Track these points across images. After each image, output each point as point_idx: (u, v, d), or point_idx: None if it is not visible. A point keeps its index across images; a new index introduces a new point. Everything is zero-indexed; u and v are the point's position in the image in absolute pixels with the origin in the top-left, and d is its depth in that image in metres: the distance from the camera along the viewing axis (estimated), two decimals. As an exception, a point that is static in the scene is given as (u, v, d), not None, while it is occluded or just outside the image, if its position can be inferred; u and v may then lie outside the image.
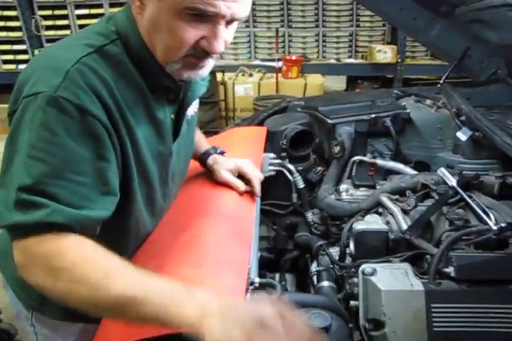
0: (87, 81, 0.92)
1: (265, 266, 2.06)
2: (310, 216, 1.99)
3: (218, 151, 1.55)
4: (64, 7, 5.88)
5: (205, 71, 1.06)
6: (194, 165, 1.50)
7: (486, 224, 1.37)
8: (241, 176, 1.51)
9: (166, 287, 0.84)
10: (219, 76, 5.37)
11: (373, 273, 1.25)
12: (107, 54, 0.98)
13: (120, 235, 1.13)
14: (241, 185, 1.47)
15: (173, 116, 1.15)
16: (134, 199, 1.07)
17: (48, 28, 5.92)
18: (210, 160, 1.51)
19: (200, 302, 0.82)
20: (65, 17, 5.92)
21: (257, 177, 1.52)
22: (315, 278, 1.53)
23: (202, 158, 1.52)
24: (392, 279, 1.23)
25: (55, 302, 1.04)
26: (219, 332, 0.78)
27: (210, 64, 1.05)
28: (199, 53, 1.00)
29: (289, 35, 6.11)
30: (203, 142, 1.56)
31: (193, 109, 1.24)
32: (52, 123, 0.88)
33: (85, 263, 0.86)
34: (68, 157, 0.89)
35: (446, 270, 1.24)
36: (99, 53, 0.97)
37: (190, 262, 1.04)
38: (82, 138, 0.90)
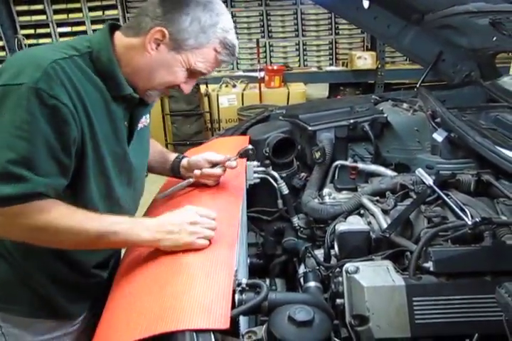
0: (59, 77, 1.10)
1: (255, 272, 2.10)
2: (296, 221, 2.04)
3: (182, 156, 1.67)
4: (46, 25, 5.95)
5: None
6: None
7: (463, 220, 1.43)
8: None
9: (125, 221, 1.19)
10: (202, 88, 5.43)
11: (356, 271, 1.30)
12: (75, 62, 1.17)
13: None
14: (219, 171, 1.58)
15: (126, 123, 1.33)
16: (88, 188, 1.23)
17: (31, 46, 5.95)
18: (184, 164, 1.63)
19: (149, 226, 1.19)
20: (47, 35, 5.98)
21: (224, 159, 1.59)
22: (302, 279, 1.57)
23: (174, 166, 1.64)
24: (374, 276, 1.28)
25: (19, 299, 1.31)
26: (168, 241, 1.17)
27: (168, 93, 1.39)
28: (172, 88, 1.33)
29: (270, 46, 6.22)
30: (167, 153, 1.71)
31: (142, 122, 1.42)
32: (34, 110, 1.05)
33: (65, 216, 1.12)
34: (45, 137, 1.07)
35: (426, 265, 1.29)
36: (70, 60, 1.15)
37: (179, 267, 1.08)
38: (55, 123, 1.08)
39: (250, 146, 1.63)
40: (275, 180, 2.04)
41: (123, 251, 1.47)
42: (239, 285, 1.10)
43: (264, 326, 0.95)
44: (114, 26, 1.29)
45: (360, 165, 2.02)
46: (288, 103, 5.35)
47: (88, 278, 1.39)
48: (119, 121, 1.28)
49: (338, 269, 1.42)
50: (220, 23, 1.26)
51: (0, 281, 1.30)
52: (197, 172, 1.56)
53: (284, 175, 2.09)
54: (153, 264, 1.16)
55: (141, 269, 1.16)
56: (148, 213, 1.53)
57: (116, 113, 1.26)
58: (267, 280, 2.10)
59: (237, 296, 1.08)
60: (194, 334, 0.89)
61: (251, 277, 1.99)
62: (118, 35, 1.26)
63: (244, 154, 1.62)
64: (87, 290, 1.41)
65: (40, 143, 1.06)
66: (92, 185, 1.23)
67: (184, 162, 1.62)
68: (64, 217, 1.11)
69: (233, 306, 1.03)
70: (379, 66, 5.83)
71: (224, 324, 0.90)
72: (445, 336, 1.21)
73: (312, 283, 1.44)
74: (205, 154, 1.61)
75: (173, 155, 1.67)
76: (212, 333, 0.90)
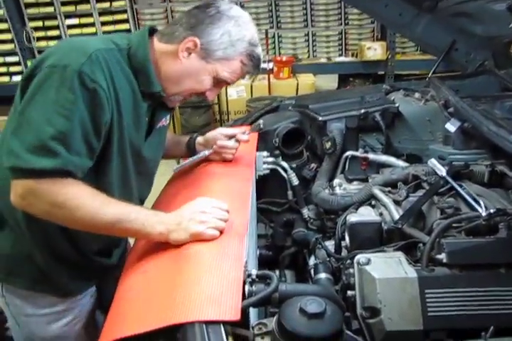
0: (101, 64, 1.18)
1: (265, 264, 2.09)
2: (306, 212, 2.02)
3: (196, 135, 1.77)
4: (54, 17, 5.93)
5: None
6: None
7: (477, 211, 1.40)
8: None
9: (143, 211, 1.21)
10: (211, 79, 5.39)
11: (368, 262, 1.28)
12: (114, 54, 1.26)
13: None
14: (232, 143, 1.69)
15: (147, 119, 1.40)
16: (110, 172, 1.29)
17: (40, 39, 5.97)
18: (200, 141, 1.73)
19: (163, 220, 1.19)
20: (55, 28, 5.97)
21: (238, 131, 1.72)
22: (312, 271, 1.56)
23: (190, 144, 1.75)
24: (386, 268, 1.26)
25: (21, 272, 1.36)
26: (178, 233, 1.17)
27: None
28: (195, 94, 1.42)
29: (279, 36, 6.16)
30: (179, 137, 1.85)
31: (162, 122, 1.50)
32: (76, 90, 1.12)
33: (85, 195, 1.16)
34: (82, 118, 1.13)
35: (439, 256, 1.27)
36: (111, 51, 1.24)
37: (188, 257, 1.07)
38: (93, 106, 1.15)
39: (261, 120, 1.73)
40: (285, 170, 2.03)
41: (131, 241, 1.47)
42: (249, 276, 1.08)
43: (275, 318, 0.93)
44: (152, 30, 1.40)
45: (371, 156, 1.99)
46: (297, 94, 5.30)
47: (90, 261, 1.44)
48: (142, 116, 1.36)
49: (349, 261, 1.40)
50: (248, 36, 1.36)
51: (4, 253, 1.36)
52: (215, 147, 1.67)
53: (293, 165, 2.07)
54: (163, 254, 1.15)
55: (150, 259, 1.15)
56: (163, 196, 1.59)
57: (141, 107, 1.34)
58: (277, 272, 2.09)
59: (247, 287, 1.06)
60: (204, 325, 0.88)
61: (260, 268, 1.98)
62: (155, 39, 1.37)
63: (256, 128, 1.78)
64: (88, 271, 1.47)
65: (76, 123, 1.13)
66: (114, 170, 1.30)
67: (199, 139, 1.74)
68: (86, 196, 1.16)
69: (243, 298, 1.01)
70: (389, 57, 5.76)
71: (234, 315, 0.89)
72: (458, 329, 1.19)
73: (323, 275, 1.43)
74: (218, 129, 1.73)
75: (186, 137, 1.77)
76: (222, 325, 0.89)
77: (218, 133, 1.70)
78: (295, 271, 2.09)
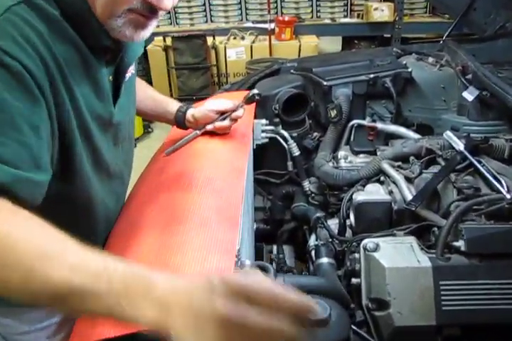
0: (21, 32, 0.80)
1: (262, 238, 1.98)
2: (307, 185, 1.88)
3: (187, 106, 1.48)
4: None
5: (147, 33, 0.96)
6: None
7: (498, 192, 1.27)
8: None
9: (119, 276, 0.65)
10: (209, 40, 5.17)
11: (376, 248, 1.16)
12: (37, 6, 0.84)
13: (69, 209, 1.00)
14: (227, 122, 1.43)
15: (110, 77, 1.04)
16: (79, 162, 0.97)
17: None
18: (189, 118, 1.44)
19: (160, 299, 0.63)
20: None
21: (233, 107, 1.43)
22: (313, 253, 1.43)
23: (179, 119, 1.45)
24: (396, 255, 1.14)
25: None
26: (188, 333, 0.61)
27: (153, 25, 0.95)
28: (144, 10, 0.90)
29: (281, -5, 5.87)
30: (166, 100, 1.49)
31: (129, 71, 1.12)
32: None
33: (17, 240, 0.68)
34: (4, 110, 0.77)
35: (456, 243, 1.14)
36: (28, 4, 0.83)
37: (172, 247, 0.92)
38: (18, 93, 0.78)
39: (256, 91, 1.46)
40: (285, 140, 1.89)
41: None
42: (242, 267, 0.95)
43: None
44: None
45: (379, 125, 1.84)
46: (299, 56, 5.09)
47: None
48: (102, 79, 1.00)
49: (354, 244, 1.27)
50: None
51: None
52: (209, 127, 1.42)
53: (295, 134, 1.92)
54: (143, 243, 1.00)
55: (129, 248, 1.01)
56: (148, 173, 1.37)
57: (97, 69, 0.98)
58: (275, 248, 1.98)
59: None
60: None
61: (258, 243, 1.87)
62: None
63: (250, 99, 1.46)
64: None
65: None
66: (82, 155, 0.98)
67: (189, 117, 1.45)
68: (24, 235, 0.70)
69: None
70: (396, 18, 5.48)
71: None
72: (475, 325, 1.08)
73: (325, 259, 1.30)
74: (209, 104, 1.44)
75: (173, 106, 1.47)
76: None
77: (208, 111, 1.42)
78: (293, 247, 1.99)
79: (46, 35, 0.83)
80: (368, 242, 1.17)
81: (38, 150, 0.82)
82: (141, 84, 1.37)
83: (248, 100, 1.44)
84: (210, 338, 0.60)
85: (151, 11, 0.91)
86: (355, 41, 5.92)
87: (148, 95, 1.44)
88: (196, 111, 1.44)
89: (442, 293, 1.08)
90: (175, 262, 0.87)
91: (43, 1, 0.85)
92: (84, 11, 0.89)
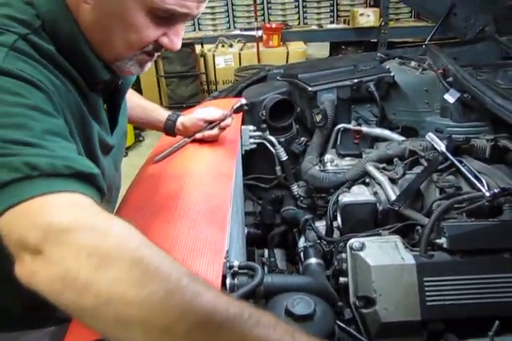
0: (30, 65, 0.79)
1: (253, 242, 2.01)
2: (295, 189, 1.92)
3: (177, 115, 1.50)
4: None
5: (148, 66, 0.98)
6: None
7: (479, 190, 1.30)
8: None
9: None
10: (198, 48, 5.22)
11: (362, 247, 1.18)
12: (34, 42, 0.82)
13: None
14: (216, 131, 1.47)
15: (105, 106, 1.02)
16: None
17: None
18: (179, 127, 1.48)
19: None
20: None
21: (221, 116, 1.47)
22: (302, 254, 1.46)
23: (168, 128, 1.48)
24: (381, 254, 1.17)
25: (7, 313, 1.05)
26: None
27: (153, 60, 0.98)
28: (154, 50, 0.93)
29: (268, 2, 5.94)
30: (155, 109, 1.50)
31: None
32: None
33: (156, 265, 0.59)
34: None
35: (439, 241, 1.17)
36: (26, 40, 0.81)
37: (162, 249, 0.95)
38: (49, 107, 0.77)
39: (244, 101, 1.50)
40: (273, 145, 1.92)
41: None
42: (230, 268, 0.98)
43: (259, 318, 0.83)
44: None
45: (365, 129, 1.88)
46: (287, 63, 5.14)
47: None
48: (100, 109, 0.99)
49: (341, 244, 1.30)
50: None
51: None
52: (198, 135, 1.46)
53: (282, 139, 1.95)
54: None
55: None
56: (138, 180, 1.39)
57: (95, 101, 0.96)
58: (266, 251, 2.01)
59: (228, 281, 0.96)
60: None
61: (249, 248, 1.90)
62: None
63: (238, 109, 1.50)
64: None
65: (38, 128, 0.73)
66: None
67: (179, 125, 1.47)
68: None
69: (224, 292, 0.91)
70: (382, 23, 5.56)
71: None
72: (459, 319, 1.11)
73: (313, 260, 1.33)
74: (198, 113, 1.47)
75: (162, 114, 1.49)
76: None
77: (197, 120, 1.45)
78: (285, 250, 2.01)
79: (47, 70, 0.82)
80: (354, 242, 1.19)
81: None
82: (129, 93, 1.33)
83: (236, 110, 1.49)
84: None
85: (158, 50, 0.94)
86: (343, 46, 5.99)
87: (137, 103, 1.45)
88: (186, 119, 1.47)
89: (426, 289, 1.11)
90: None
91: (37, 37, 0.83)
92: (83, 48, 0.89)
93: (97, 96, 0.97)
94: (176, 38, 0.92)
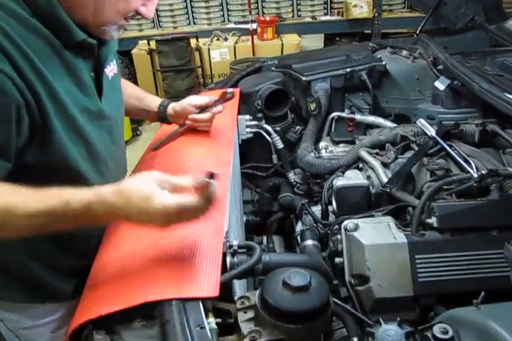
0: None
1: (252, 230, 2.06)
2: (292, 176, 1.96)
3: (168, 101, 1.55)
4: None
5: (122, 31, 1.13)
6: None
7: (467, 172, 1.35)
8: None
9: (79, 200, 0.87)
10: (193, 42, 5.22)
11: (356, 228, 1.23)
12: (4, 5, 0.92)
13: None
14: (207, 115, 1.47)
15: (92, 74, 1.12)
16: (72, 158, 1.05)
17: None
18: (171, 113, 1.51)
19: (112, 207, 0.87)
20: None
21: (209, 101, 1.49)
22: (299, 237, 1.51)
23: (161, 115, 1.51)
24: (374, 233, 1.22)
25: (7, 286, 1.18)
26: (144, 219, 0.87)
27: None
28: (132, 16, 1.08)
29: (262, -5, 5.93)
30: (149, 97, 1.55)
31: (111, 71, 1.22)
32: None
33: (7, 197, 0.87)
34: None
35: (429, 221, 1.22)
36: None
37: (163, 230, 1.00)
38: None
39: (230, 89, 1.50)
40: (269, 134, 1.97)
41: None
42: (230, 247, 1.03)
43: (257, 292, 0.88)
44: None
45: (358, 117, 1.93)
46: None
47: (79, 260, 1.19)
48: (82, 73, 1.06)
49: (336, 226, 1.35)
50: None
51: None
52: (188, 122, 1.48)
53: (278, 128, 2.00)
54: (138, 229, 1.08)
55: (124, 232, 1.08)
56: (139, 168, 1.44)
57: (76, 65, 1.04)
58: (265, 238, 2.06)
59: (228, 259, 1.01)
60: (181, 302, 0.82)
61: (248, 235, 1.95)
62: None
63: (223, 96, 1.48)
64: (83, 271, 1.20)
65: None
66: (71, 149, 1.04)
67: (170, 110, 1.51)
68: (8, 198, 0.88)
69: (225, 270, 0.96)
70: (376, 14, 5.58)
71: (213, 292, 0.83)
72: (449, 294, 1.16)
73: (309, 242, 1.38)
74: (189, 99, 1.50)
75: (154, 102, 1.53)
76: (201, 301, 0.83)
77: (188, 105, 1.47)
78: (283, 237, 2.06)
79: (13, 31, 0.91)
80: (348, 223, 1.24)
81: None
82: (126, 84, 1.46)
83: (222, 96, 1.48)
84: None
85: (134, 17, 1.09)
86: (337, 38, 6.00)
87: (133, 93, 1.50)
88: (177, 105, 1.50)
89: (418, 266, 1.16)
90: (168, 243, 0.95)
91: (11, 1, 0.93)
92: (58, 13, 0.97)
93: (77, 59, 1.05)
94: (152, 8, 1.09)
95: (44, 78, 0.95)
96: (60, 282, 1.22)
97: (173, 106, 1.50)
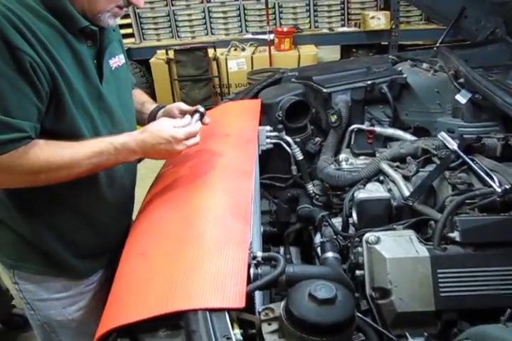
0: (6, 17, 1.02)
1: (269, 240, 2.05)
2: (311, 187, 1.96)
3: (161, 106, 1.61)
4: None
5: (119, 19, 1.28)
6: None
7: (490, 187, 1.34)
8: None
9: (111, 148, 1.20)
10: (210, 52, 5.29)
11: (377, 241, 1.23)
12: (20, 0, 1.08)
13: None
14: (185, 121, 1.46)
15: (95, 61, 1.27)
16: (79, 128, 1.21)
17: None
18: (159, 114, 1.58)
19: (135, 149, 1.22)
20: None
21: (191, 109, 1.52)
22: (319, 249, 1.51)
23: (151, 115, 1.59)
24: (396, 247, 1.22)
25: (29, 257, 1.33)
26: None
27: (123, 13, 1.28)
28: (124, 5, 1.23)
29: (280, 6, 5.98)
30: (148, 104, 1.64)
31: (116, 62, 1.36)
32: None
33: (52, 154, 1.12)
34: (9, 84, 1.04)
35: (451, 235, 1.22)
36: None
37: (190, 239, 1.01)
38: (14, 69, 1.04)
39: (201, 108, 1.45)
40: (289, 145, 1.96)
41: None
42: (254, 258, 1.04)
43: (283, 303, 0.89)
44: None
45: (378, 129, 1.93)
46: (299, 66, 5.19)
47: (97, 238, 1.40)
48: (86, 59, 1.22)
49: (357, 239, 1.35)
50: None
51: (8, 241, 1.34)
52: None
53: (297, 139, 2.00)
54: (163, 234, 1.09)
55: (150, 239, 1.10)
56: (163, 175, 1.49)
57: (80, 50, 1.20)
58: (281, 249, 2.05)
59: (252, 270, 1.01)
60: (207, 313, 0.83)
61: (265, 245, 1.95)
62: None
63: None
64: (98, 251, 1.43)
65: (7, 89, 1.04)
66: (81, 125, 1.21)
67: (160, 113, 1.59)
68: (52, 154, 1.13)
69: (248, 281, 0.97)
70: (393, 26, 5.59)
71: (239, 303, 0.84)
72: (471, 310, 1.15)
73: (330, 254, 1.37)
74: (177, 103, 1.57)
75: (154, 106, 1.62)
76: (227, 312, 0.84)
77: (171, 107, 1.54)
78: (300, 248, 2.06)
79: (28, 19, 1.06)
80: (370, 236, 1.24)
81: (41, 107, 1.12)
82: (139, 93, 1.62)
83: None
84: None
85: (127, 5, 1.24)
86: (354, 49, 6.03)
87: (141, 100, 1.61)
88: (166, 107, 1.57)
89: (440, 280, 1.15)
90: (194, 252, 0.96)
91: None
92: (59, 1, 1.13)
93: (82, 46, 1.21)
94: None
95: (54, 58, 1.11)
96: (76, 260, 1.37)
97: (163, 110, 1.58)
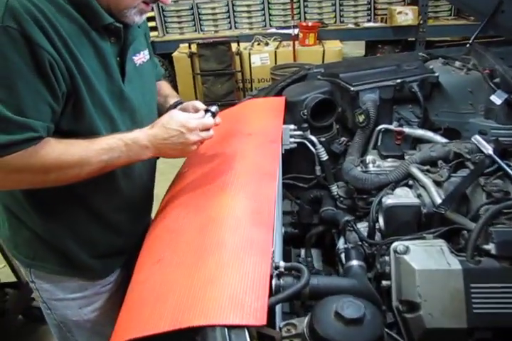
0: (28, 12, 0.97)
1: (290, 242, 2.00)
2: (335, 189, 1.89)
3: (180, 101, 1.56)
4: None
5: (145, 16, 1.24)
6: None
7: (529, 195, 1.26)
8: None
9: (122, 144, 1.15)
10: (234, 46, 5.23)
11: (406, 251, 1.17)
12: None
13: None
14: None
15: (118, 58, 1.22)
16: (97, 129, 1.17)
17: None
18: (177, 109, 1.49)
19: (146, 145, 1.17)
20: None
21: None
22: (343, 256, 1.45)
23: (171, 106, 1.54)
24: (426, 257, 1.15)
25: (46, 257, 1.31)
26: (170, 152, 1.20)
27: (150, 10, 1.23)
28: (150, 0, 1.19)
29: (305, 0, 5.89)
30: (170, 98, 1.59)
31: (140, 59, 1.32)
32: (7, 51, 0.97)
33: (62, 152, 1.08)
34: (24, 82, 0.99)
35: (486, 247, 1.15)
36: None
37: (209, 248, 0.95)
38: (31, 67, 0.99)
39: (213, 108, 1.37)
40: (313, 144, 1.89)
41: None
42: (276, 268, 0.98)
43: (306, 320, 0.83)
44: None
45: (407, 130, 1.85)
46: (323, 61, 5.11)
47: (113, 239, 1.38)
48: (109, 56, 1.17)
49: (384, 247, 1.29)
50: None
51: (24, 239, 1.33)
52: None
53: (322, 139, 1.92)
54: (180, 241, 1.04)
55: (167, 247, 1.04)
56: (182, 177, 1.42)
57: (103, 48, 1.15)
58: (302, 251, 2.00)
59: (274, 281, 0.96)
60: (226, 330, 0.77)
61: (286, 247, 1.89)
62: None
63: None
64: (115, 251, 1.41)
65: (20, 89, 0.99)
66: (97, 121, 1.17)
67: (177, 108, 1.50)
68: (63, 152, 1.09)
69: (270, 292, 0.91)
70: (421, 22, 5.46)
71: (260, 320, 0.78)
72: (506, 328, 1.08)
73: (355, 262, 1.31)
74: (193, 101, 1.50)
75: (172, 99, 1.57)
76: (246, 329, 0.78)
77: (187, 104, 1.48)
78: (322, 251, 2.00)
79: (50, 14, 1.01)
80: (398, 245, 1.18)
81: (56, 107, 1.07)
82: (164, 84, 1.59)
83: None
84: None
85: (153, 1, 1.20)
86: (379, 45, 5.91)
87: (164, 93, 1.57)
88: (183, 104, 1.51)
89: (473, 295, 1.09)
90: (213, 262, 0.91)
91: None
92: (88, 0, 1.09)
93: (105, 43, 1.16)
94: None
95: (75, 56, 1.07)
96: (92, 260, 1.35)
97: (180, 106, 1.51)
